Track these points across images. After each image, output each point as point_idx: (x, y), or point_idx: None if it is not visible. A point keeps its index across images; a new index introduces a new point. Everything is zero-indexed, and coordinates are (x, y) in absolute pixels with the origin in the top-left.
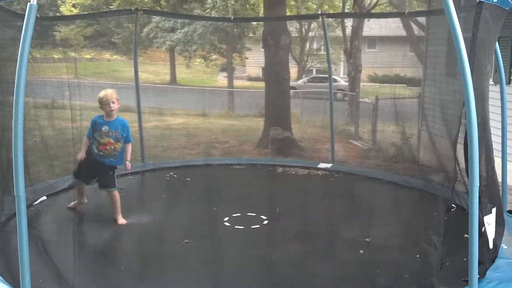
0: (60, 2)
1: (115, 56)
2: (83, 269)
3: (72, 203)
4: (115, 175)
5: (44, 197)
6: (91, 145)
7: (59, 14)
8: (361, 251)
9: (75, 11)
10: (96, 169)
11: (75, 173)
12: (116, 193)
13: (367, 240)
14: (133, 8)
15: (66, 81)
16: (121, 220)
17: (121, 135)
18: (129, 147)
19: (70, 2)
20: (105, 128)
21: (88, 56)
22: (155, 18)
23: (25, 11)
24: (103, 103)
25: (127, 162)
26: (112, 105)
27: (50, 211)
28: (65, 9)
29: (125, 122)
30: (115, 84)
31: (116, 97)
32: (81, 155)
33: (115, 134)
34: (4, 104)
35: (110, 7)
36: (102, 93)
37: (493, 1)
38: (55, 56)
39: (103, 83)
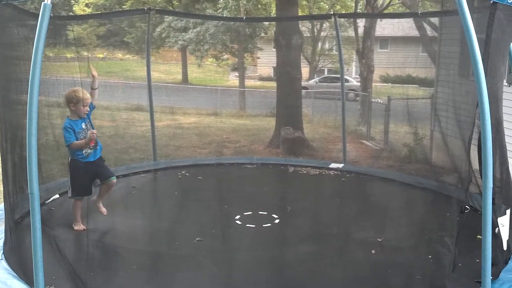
0: (73, 1)
1: (127, 56)
2: (95, 267)
3: (78, 227)
4: None
5: (57, 195)
6: (72, 153)
7: (72, 14)
8: (373, 251)
9: (88, 10)
10: (93, 170)
11: (75, 192)
12: (115, 181)
13: (379, 240)
14: (145, 8)
15: (79, 80)
16: (103, 208)
17: (88, 117)
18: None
19: (83, 2)
20: (83, 124)
21: (101, 56)
22: (168, 18)
23: (38, 10)
24: (82, 104)
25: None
26: (87, 108)
27: (62, 209)
28: (78, 9)
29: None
30: (127, 83)
31: None
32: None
33: (89, 123)
34: (17, 103)
35: (123, 6)
36: (80, 93)
37: (507, 2)
38: (68, 55)
39: (115, 82)
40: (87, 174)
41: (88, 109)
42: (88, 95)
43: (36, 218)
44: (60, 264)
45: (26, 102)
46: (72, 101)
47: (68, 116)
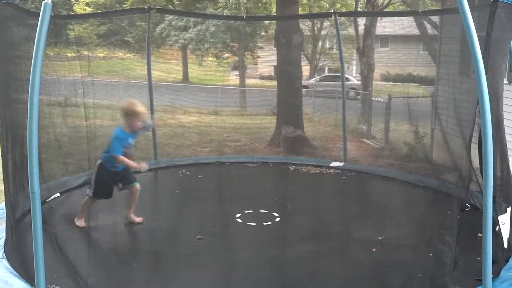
0: (73, 0)
1: (128, 55)
2: (96, 265)
3: (79, 223)
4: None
5: (58, 194)
6: (108, 161)
7: (72, 13)
8: (374, 250)
9: (88, 9)
10: (119, 177)
11: (97, 194)
12: (138, 187)
13: (380, 238)
14: (146, 7)
15: (79, 79)
16: (135, 218)
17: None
18: None
19: (83, 1)
20: (132, 141)
21: (101, 55)
22: (168, 17)
23: (38, 9)
24: (137, 118)
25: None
26: (141, 123)
27: (63, 207)
28: (79, 8)
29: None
30: (128, 83)
31: None
32: (144, 166)
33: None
34: (18, 102)
35: (124, 5)
36: (139, 107)
37: (508, 0)
38: (69, 55)
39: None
40: (112, 180)
41: (142, 125)
42: (144, 111)
43: (37, 216)
44: (61, 262)
45: (27, 101)
46: (128, 114)
47: (121, 127)
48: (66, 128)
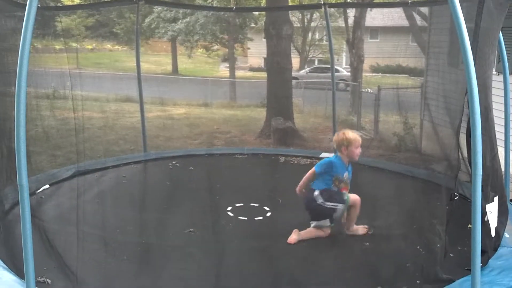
0: None
1: (116, 47)
2: (86, 257)
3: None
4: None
5: (47, 186)
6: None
7: (60, 4)
8: (367, 244)
9: (76, 1)
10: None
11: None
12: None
13: (370, 233)
14: None
15: (67, 72)
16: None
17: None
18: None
19: None
20: (346, 175)
21: (90, 47)
22: (157, 8)
23: (26, 1)
24: (353, 145)
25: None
26: (360, 150)
27: (52, 199)
28: None
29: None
30: (116, 75)
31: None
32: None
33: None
34: (5, 95)
35: None
36: (351, 134)
37: None
38: (57, 47)
39: (104, 73)
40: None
41: (359, 154)
42: (358, 139)
43: (25, 209)
44: (50, 255)
45: (14, 94)
46: (344, 144)
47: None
48: (54, 121)
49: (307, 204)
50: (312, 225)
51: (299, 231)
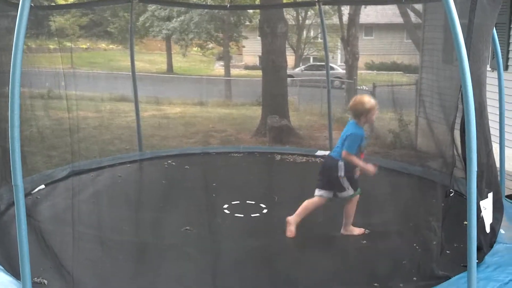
0: None
1: (111, 46)
2: (82, 257)
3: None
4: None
5: (43, 186)
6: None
7: (54, 4)
8: (363, 241)
9: (70, 0)
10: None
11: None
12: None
13: (366, 232)
14: None
15: (61, 71)
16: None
17: None
18: None
19: None
20: (366, 140)
21: (84, 46)
22: (151, 7)
23: (19, 0)
24: (372, 112)
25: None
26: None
27: (48, 199)
28: None
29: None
30: (111, 74)
31: None
32: (372, 169)
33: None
34: (0, 95)
35: None
36: (367, 101)
37: None
38: (51, 46)
39: (99, 72)
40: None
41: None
42: (374, 101)
43: (20, 209)
44: (46, 255)
45: (8, 94)
46: (363, 113)
47: (355, 121)
48: (49, 121)
49: (324, 171)
50: (316, 193)
51: (292, 222)
